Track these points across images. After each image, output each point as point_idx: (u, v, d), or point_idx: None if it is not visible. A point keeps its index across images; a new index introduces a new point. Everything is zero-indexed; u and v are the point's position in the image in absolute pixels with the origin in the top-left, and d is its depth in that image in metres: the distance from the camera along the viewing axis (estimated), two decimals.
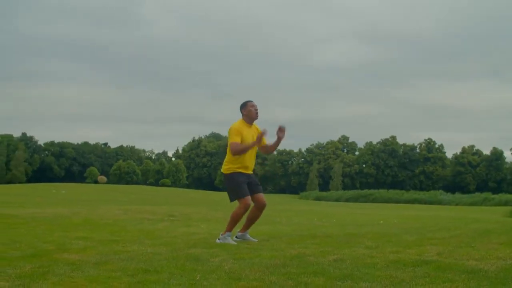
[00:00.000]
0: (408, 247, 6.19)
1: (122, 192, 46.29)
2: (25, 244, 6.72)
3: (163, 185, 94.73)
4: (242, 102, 7.29)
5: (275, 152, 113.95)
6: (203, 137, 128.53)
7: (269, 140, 7.32)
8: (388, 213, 20.05)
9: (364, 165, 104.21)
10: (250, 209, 7.39)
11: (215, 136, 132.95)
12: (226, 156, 7.29)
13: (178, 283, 4.49)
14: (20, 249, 6.27)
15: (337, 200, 63.36)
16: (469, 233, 7.22)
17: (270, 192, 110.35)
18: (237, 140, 6.97)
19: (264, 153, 7.68)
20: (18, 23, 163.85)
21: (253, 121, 7.27)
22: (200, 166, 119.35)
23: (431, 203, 50.97)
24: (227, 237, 7.26)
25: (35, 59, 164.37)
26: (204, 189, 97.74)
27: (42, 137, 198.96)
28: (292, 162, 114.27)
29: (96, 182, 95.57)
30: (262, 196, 7.41)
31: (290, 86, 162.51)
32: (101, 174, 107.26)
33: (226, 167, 7.26)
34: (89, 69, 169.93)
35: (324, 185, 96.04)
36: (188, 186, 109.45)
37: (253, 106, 7.22)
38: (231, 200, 7.32)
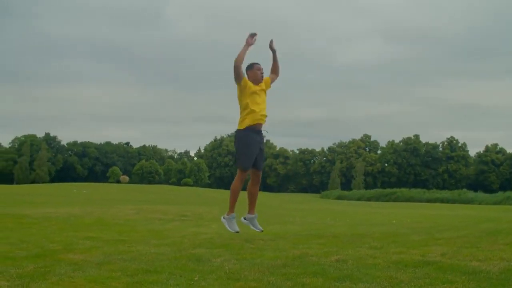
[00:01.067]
0: (413, 248, 6.13)
1: (142, 192, 46.47)
2: (33, 244, 6.79)
3: (185, 184, 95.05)
4: (250, 63, 7.23)
5: (296, 151, 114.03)
6: (225, 136, 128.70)
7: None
8: (405, 212, 19.90)
9: (386, 164, 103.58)
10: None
11: None
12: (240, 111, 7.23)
13: (176, 283, 4.50)
14: (26, 249, 6.33)
15: (358, 199, 63.01)
16: (476, 233, 7.12)
17: (292, 191, 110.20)
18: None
19: (274, 73, 7.64)
20: (43, 24, 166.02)
21: (258, 83, 7.26)
22: (222, 166, 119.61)
23: (453, 202, 50.51)
24: (232, 220, 7.29)
25: (59, 60, 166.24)
26: (226, 189, 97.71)
27: (65, 137, 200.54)
28: (314, 161, 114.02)
29: (118, 182, 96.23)
30: (260, 174, 7.46)
31: (313, 86, 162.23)
32: (123, 174, 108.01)
33: (240, 120, 7.22)
34: (113, 69, 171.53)
35: (346, 184, 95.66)
36: (210, 186, 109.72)
37: (260, 69, 7.23)
38: (236, 163, 7.30)
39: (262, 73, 7.28)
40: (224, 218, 7.40)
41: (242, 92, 7.05)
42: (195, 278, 4.68)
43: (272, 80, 7.50)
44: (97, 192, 40.49)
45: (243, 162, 7.12)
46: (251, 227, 7.56)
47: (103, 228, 9.09)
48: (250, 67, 7.21)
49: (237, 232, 7.28)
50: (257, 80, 7.21)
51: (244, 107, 7.10)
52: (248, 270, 4.99)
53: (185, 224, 10.32)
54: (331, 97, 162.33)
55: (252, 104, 7.03)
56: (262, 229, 7.55)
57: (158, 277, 4.70)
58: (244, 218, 7.60)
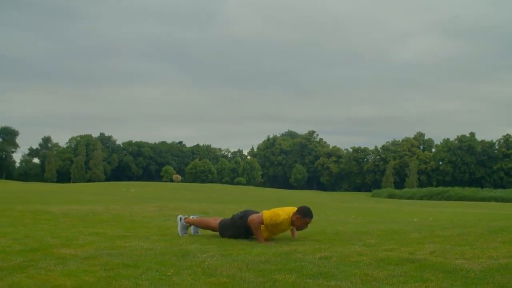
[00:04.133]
0: (407, 245, 5.97)
1: (190, 191, 46.77)
2: (34, 239, 6.95)
3: (238, 183, 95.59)
4: (307, 210, 6.94)
5: (350, 150, 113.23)
6: (278, 135, 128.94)
7: None
8: (446, 210, 19.48)
9: (440, 163, 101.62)
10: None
11: (291, 134, 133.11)
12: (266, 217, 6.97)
13: (148, 278, 4.52)
14: (25, 244, 6.48)
15: (410, 197, 61.84)
16: (479, 231, 6.88)
17: (346, 190, 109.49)
18: (265, 223, 6.86)
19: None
20: (100, 25, 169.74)
21: (297, 229, 7.15)
22: (275, 165, 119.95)
23: (508, 200, 49.14)
24: (184, 229, 7.72)
25: (115, 60, 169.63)
26: (279, 187, 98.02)
27: (120, 136, 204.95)
28: (367, 159, 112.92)
29: (172, 181, 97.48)
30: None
31: (369, 83, 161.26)
32: (177, 173, 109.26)
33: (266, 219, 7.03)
34: (170, 69, 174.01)
35: (400, 183, 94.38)
36: (263, 184, 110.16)
37: (308, 223, 7.01)
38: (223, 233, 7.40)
39: (306, 227, 7.13)
40: (181, 220, 7.61)
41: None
42: (168, 273, 4.69)
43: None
44: (144, 191, 41.00)
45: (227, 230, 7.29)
46: (192, 231, 7.81)
47: (115, 225, 9.22)
48: (304, 216, 6.91)
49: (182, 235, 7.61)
50: (298, 228, 7.06)
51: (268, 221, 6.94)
52: (227, 266, 4.97)
53: None
54: (387, 95, 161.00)
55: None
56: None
57: (133, 272, 4.73)
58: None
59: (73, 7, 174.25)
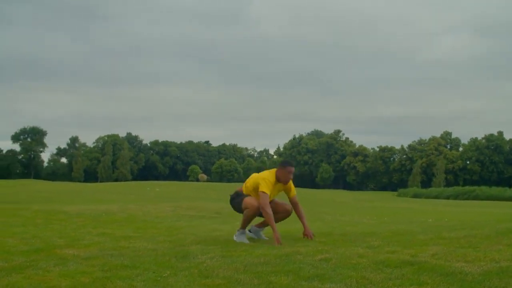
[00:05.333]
0: (410, 247, 5.88)
1: (215, 190, 46.67)
2: (41, 239, 7.02)
3: None
4: (284, 160, 7.09)
5: (376, 149, 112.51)
6: (304, 134, 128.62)
7: None
8: (463, 210, 19.18)
9: (468, 162, 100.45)
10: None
11: (317, 134, 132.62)
12: (250, 182, 7.11)
13: (143, 279, 4.52)
14: (31, 244, 6.55)
15: (436, 197, 61.08)
16: (486, 233, 6.73)
17: (372, 189, 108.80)
18: (268, 192, 6.83)
19: (294, 209, 7.43)
20: (127, 25, 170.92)
21: (284, 183, 7.11)
22: (301, 164, 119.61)
23: None
24: (242, 235, 7.19)
25: (143, 60, 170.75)
26: (305, 187, 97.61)
27: (147, 136, 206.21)
28: (394, 159, 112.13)
29: (198, 180, 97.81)
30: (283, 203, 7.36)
31: (396, 82, 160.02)
32: (203, 172, 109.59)
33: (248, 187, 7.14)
34: (196, 69, 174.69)
35: (427, 182, 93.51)
36: None
37: (291, 172, 7.01)
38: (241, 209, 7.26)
39: (292, 176, 7.09)
40: (235, 236, 7.27)
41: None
42: (164, 275, 4.68)
43: (291, 202, 7.29)
44: (169, 190, 41.23)
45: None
46: (255, 238, 7.54)
47: (126, 225, 9.26)
48: (283, 166, 6.95)
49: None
50: (285, 181, 7.04)
51: (253, 190, 7.00)
52: (224, 267, 4.94)
53: (210, 222, 10.32)
54: (416, 94, 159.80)
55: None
56: (267, 238, 7.48)
57: (130, 273, 4.72)
58: (249, 231, 7.55)
59: (100, 7, 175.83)
